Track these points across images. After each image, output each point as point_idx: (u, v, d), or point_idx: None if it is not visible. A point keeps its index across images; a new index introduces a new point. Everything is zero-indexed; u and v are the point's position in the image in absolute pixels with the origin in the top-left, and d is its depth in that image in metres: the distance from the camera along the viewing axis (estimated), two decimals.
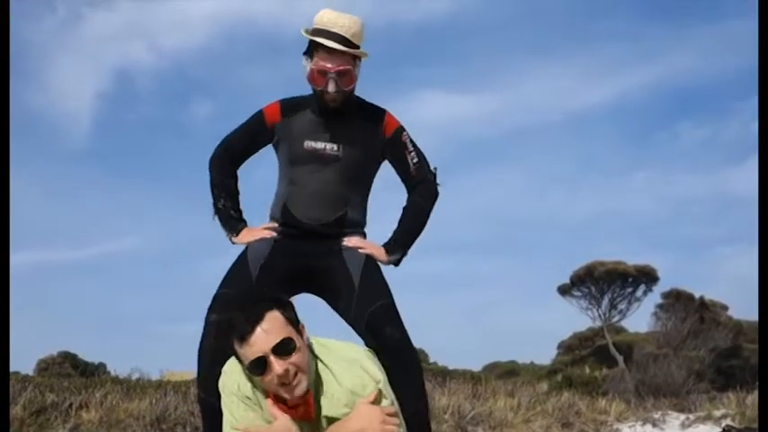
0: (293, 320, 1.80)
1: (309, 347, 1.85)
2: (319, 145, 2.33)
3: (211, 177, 2.46)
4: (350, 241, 2.34)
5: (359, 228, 2.42)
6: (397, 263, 2.40)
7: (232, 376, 1.85)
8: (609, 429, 8.00)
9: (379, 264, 2.37)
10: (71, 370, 15.52)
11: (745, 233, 24.01)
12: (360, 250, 2.33)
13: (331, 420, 1.81)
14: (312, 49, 2.28)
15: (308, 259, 2.30)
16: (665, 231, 27.30)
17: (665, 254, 29.83)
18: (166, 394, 7.55)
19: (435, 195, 2.47)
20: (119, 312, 23.93)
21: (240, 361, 1.79)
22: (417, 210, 2.45)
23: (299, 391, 1.74)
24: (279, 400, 1.79)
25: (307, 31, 2.29)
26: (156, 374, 11.04)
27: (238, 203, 2.47)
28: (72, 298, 23.93)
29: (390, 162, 2.46)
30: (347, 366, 1.84)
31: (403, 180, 2.47)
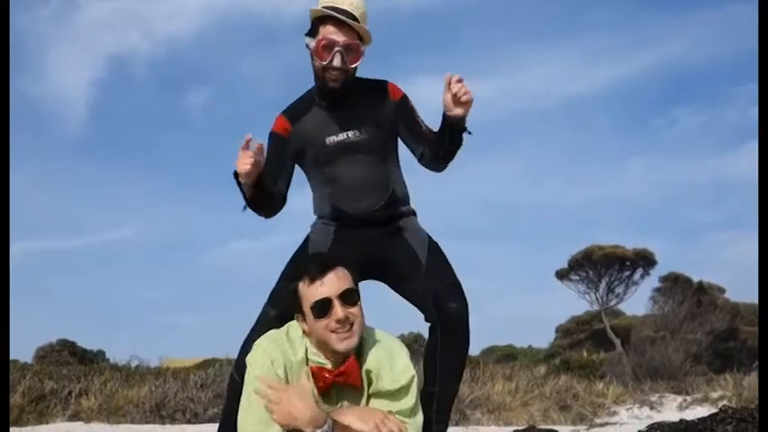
0: (357, 284, 1.90)
1: None
2: (341, 136, 2.28)
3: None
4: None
5: (407, 201, 2.39)
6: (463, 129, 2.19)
7: (267, 352, 1.86)
8: (606, 412, 8.04)
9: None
10: (70, 358, 15.56)
11: (742, 217, 24.08)
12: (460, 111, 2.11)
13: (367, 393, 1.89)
14: (318, 26, 2.24)
15: (370, 247, 2.26)
16: (662, 216, 27.37)
17: (663, 239, 29.93)
18: (166, 381, 7.57)
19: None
20: (118, 300, 23.98)
21: (299, 308, 1.86)
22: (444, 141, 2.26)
23: (349, 344, 1.81)
24: (321, 370, 1.84)
25: (314, 10, 2.26)
26: (155, 362, 11.08)
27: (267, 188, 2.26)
28: (71, 286, 23.98)
29: (400, 128, 2.37)
30: (392, 350, 1.92)
31: (416, 143, 2.35)
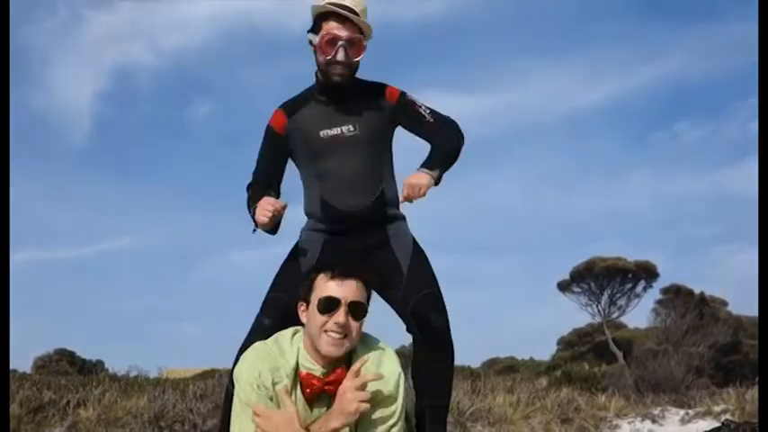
0: (367, 302, 1.94)
1: None
2: (335, 130, 2.31)
3: (247, 203, 2.36)
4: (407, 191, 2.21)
5: (396, 205, 2.40)
6: (437, 180, 2.29)
7: (254, 364, 1.86)
8: (608, 425, 7.99)
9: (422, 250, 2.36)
10: (68, 368, 15.51)
11: (744, 231, 24.04)
12: (413, 200, 2.21)
13: None
14: (320, 23, 2.29)
15: (357, 256, 2.27)
16: (664, 229, 27.35)
17: (665, 251, 29.88)
18: (164, 392, 7.53)
19: (461, 132, 2.40)
20: (117, 310, 23.94)
21: (307, 296, 1.90)
22: (448, 137, 2.37)
23: (336, 350, 1.84)
24: (310, 376, 1.84)
25: (316, 6, 2.32)
26: (154, 372, 11.01)
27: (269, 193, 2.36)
28: (70, 296, 23.91)
29: (405, 125, 2.42)
30: (381, 356, 1.93)
31: (424, 133, 2.41)
